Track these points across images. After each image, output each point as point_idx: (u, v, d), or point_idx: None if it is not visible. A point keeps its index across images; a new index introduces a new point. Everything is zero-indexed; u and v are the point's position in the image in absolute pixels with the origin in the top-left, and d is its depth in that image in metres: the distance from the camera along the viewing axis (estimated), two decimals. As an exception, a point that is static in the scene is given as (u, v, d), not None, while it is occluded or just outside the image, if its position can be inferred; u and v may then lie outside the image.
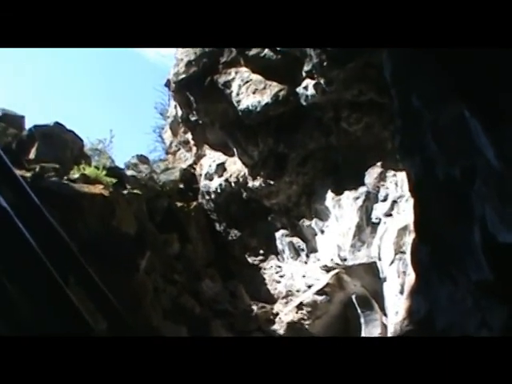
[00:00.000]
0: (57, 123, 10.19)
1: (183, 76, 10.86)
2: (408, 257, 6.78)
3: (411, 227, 6.60)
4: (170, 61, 12.24)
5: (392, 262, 7.96)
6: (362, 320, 8.65)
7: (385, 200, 8.48)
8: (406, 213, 7.82)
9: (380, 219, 8.51)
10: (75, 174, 8.92)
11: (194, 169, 11.71)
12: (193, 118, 11.27)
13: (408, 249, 7.14)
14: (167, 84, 12.17)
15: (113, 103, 30.29)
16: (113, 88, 31.23)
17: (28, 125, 10.52)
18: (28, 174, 8.12)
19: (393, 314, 7.70)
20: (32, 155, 9.60)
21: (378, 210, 8.57)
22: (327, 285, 9.16)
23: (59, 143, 9.96)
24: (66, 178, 8.73)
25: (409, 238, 7.42)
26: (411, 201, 5.47)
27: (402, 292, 7.46)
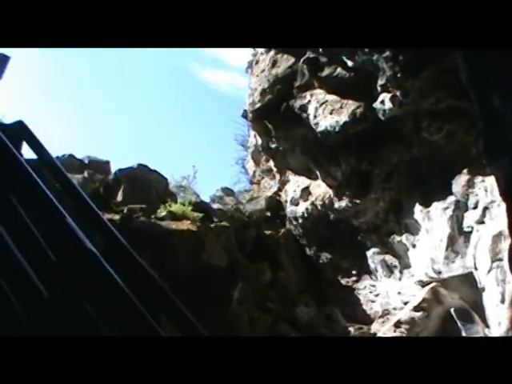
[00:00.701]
0: (140, 165, 10.52)
1: (259, 105, 10.96)
2: (506, 264, 6.51)
3: (506, 232, 6.34)
4: (245, 92, 12.44)
5: (489, 271, 7.63)
6: (464, 334, 8.27)
7: (475, 207, 8.16)
8: (498, 218, 7.51)
9: (472, 227, 8.17)
10: (162, 212, 9.13)
11: (279, 196, 11.73)
12: (273, 146, 11.33)
13: (505, 255, 6.86)
14: (244, 115, 12.33)
15: (193, 139, 31.00)
16: (191, 124, 32.01)
17: (113, 168, 10.95)
18: (117, 217, 8.40)
19: (495, 324, 7.37)
20: (119, 198, 9.94)
21: (470, 218, 8.25)
22: (424, 300, 8.85)
23: (144, 184, 10.27)
24: (153, 216, 8.96)
25: (505, 244, 7.17)
26: (503, 205, 5.20)
27: (502, 301, 7.17)
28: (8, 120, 9.54)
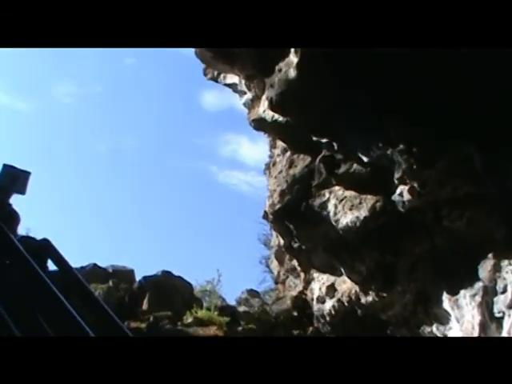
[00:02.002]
0: (164, 271, 10.63)
1: (279, 206, 11.11)
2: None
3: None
4: (264, 191, 12.68)
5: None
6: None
7: (504, 291, 7.98)
8: (530, 300, 7.34)
9: (503, 312, 7.96)
10: (188, 319, 9.12)
11: (305, 294, 11.64)
12: (295, 245, 11.37)
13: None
14: (265, 216, 12.48)
15: (216, 241, 31.23)
16: (213, 227, 32.37)
17: (137, 275, 11.03)
18: (143, 325, 8.39)
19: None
20: (145, 306, 9.96)
21: (500, 303, 8.06)
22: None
23: (169, 291, 10.33)
24: (179, 323, 8.93)
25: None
26: (533, 286, 5.18)
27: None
28: (33, 233, 9.77)
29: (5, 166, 10.24)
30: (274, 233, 12.71)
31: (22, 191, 10.03)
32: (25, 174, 10.28)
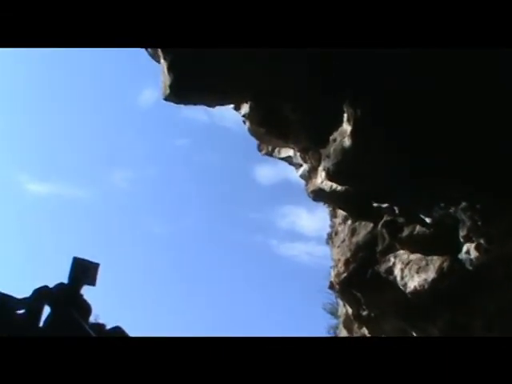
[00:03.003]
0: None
1: (344, 275, 11.08)
2: None
3: None
4: (325, 260, 12.68)
5: None
6: None
7: None
8: None
9: None
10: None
11: (378, 364, 11.36)
12: (364, 313, 11.23)
13: None
14: (331, 286, 12.42)
15: (281, 314, 30.96)
16: (278, 300, 32.25)
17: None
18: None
19: None
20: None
21: None
22: None
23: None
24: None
25: None
26: None
27: None
28: (102, 319, 10.04)
29: (75, 258, 10.66)
30: (341, 302, 12.60)
31: (93, 282, 10.38)
32: (94, 266, 10.66)
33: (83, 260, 10.83)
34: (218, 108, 10.78)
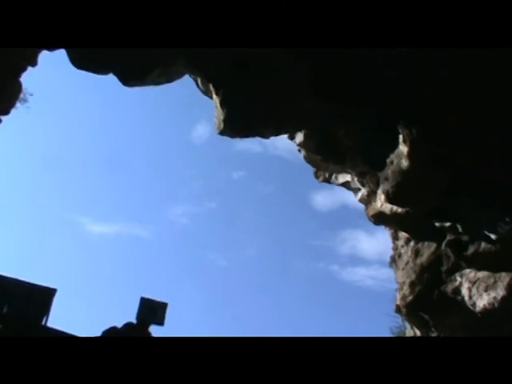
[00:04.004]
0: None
1: (410, 298, 10.94)
2: None
3: None
4: (389, 283, 12.54)
5: None
6: None
7: None
8: None
9: None
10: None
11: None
12: (433, 335, 11.03)
13: None
14: (397, 310, 12.26)
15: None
16: (344, 325, 31.93)
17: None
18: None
19: None
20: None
21: None
22: None
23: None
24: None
25: None
26: None
27: None
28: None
29: (142, 299, 10.87)
30: (409, 325, 12.40)
31: (161, 322, 10.56)
32: (162, 305, 10.82)
33: (151, 300, 11.02)
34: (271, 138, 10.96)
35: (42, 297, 13.40)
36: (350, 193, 12.18)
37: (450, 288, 10.09)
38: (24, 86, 13.56)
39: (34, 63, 12.58)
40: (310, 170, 12.19)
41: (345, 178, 11.82)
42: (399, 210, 10.03)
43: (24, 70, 12.85)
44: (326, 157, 10.63)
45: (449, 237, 9.85)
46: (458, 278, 9.94)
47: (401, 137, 8.42)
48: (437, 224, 9.82)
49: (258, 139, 10.74)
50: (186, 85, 10.90)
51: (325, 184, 12.58)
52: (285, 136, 11.08)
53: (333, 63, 8.31)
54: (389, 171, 9.16)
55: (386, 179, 9.30)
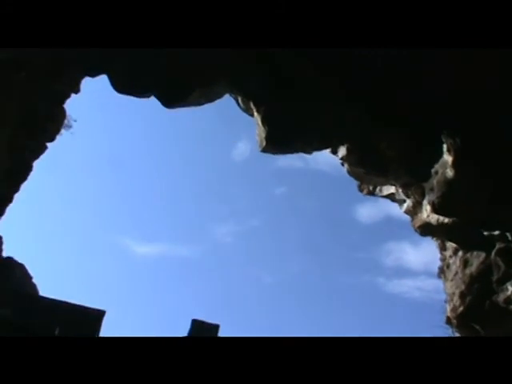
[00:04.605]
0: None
1: (461, 309, 10.78)
2: None
3: None
4: (437, 294, 12.37)
5: None
6: None
7: None
8: None
9: None
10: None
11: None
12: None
13: None
14: (448, 321, 12.09)
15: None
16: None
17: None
18: None
19: None
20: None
21: None
22: None
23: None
24: None
25: None
26: None
27: None
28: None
29: (194, 321, 10.89)
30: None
31: (213, 343, 10.56)
32: (214, 327, 10.83)
33: (202, 322, 11.01)
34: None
35: (92, 319, 13.66)
36: (395, 204, 12.11)
37: (501, 298, 9.92)
38: (68, 112, 14.03)
39: (76, 90, 12.99)
40: (354, 183, 12.17)
41: (389, 189, 11.76)
42: (446, 220, 9.94)
43: (68, 96, 13.30)
44: (369, 169, 10.61)
45: (498, 245, 9.71)
46: (510, 287, 9.77)
47: (445, 146, 8.38)
48: (485, 233, 9.69)
49: (299, 154, 10.83)
50: (224, 104, 11.09)
51: (369, 197, 12.54)
52: (326, 150, 11.12)
53: (375, 76, 8.35)
54: (434, 181, 9.11)
55: (432, 190, 9.25)
